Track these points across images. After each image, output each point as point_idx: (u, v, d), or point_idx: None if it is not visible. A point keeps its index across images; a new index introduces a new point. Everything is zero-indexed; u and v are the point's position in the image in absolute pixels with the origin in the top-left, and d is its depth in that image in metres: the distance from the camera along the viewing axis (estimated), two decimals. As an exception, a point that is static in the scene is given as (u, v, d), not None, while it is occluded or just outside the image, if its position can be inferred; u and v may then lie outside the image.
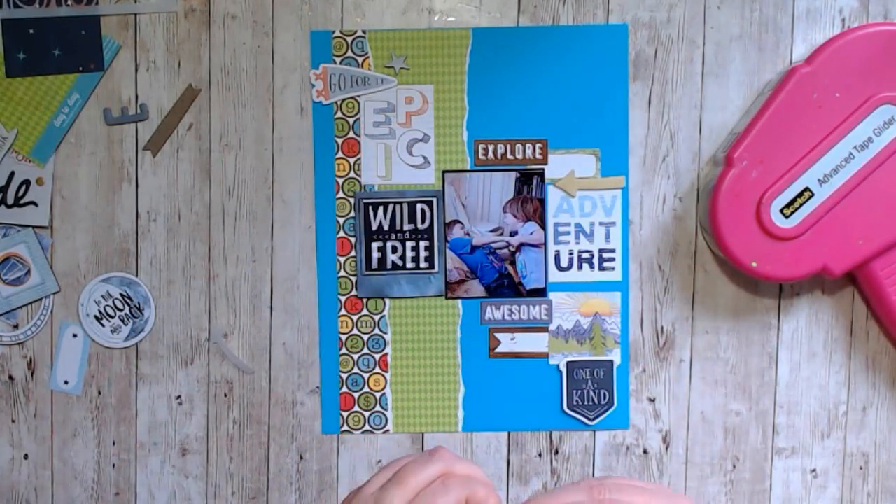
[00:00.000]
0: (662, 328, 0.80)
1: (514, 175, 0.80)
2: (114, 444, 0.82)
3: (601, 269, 0.80)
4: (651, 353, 0.81)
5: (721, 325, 0.80)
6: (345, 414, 0.81)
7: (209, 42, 0.80)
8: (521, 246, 0.80)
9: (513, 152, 0.80)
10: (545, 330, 0.80)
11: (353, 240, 0.80)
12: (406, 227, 0.80)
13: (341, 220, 0.80)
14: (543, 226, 0.80)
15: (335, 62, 0.80)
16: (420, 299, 0.81)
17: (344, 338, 0.81)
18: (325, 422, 0.81)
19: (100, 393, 0.81)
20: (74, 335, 0.81)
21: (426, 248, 0.80)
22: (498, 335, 0.81)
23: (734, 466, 0.80)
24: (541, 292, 0.80)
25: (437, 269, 0.80)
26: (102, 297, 0.81)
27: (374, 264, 0.80)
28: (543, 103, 0.79)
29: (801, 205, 0.74)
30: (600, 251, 0.80)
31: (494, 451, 0.81)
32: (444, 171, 0.80)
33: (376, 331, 0.81)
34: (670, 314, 0.80)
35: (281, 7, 0.80)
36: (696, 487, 0.81)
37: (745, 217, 0.74)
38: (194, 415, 0.81)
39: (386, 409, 0.81)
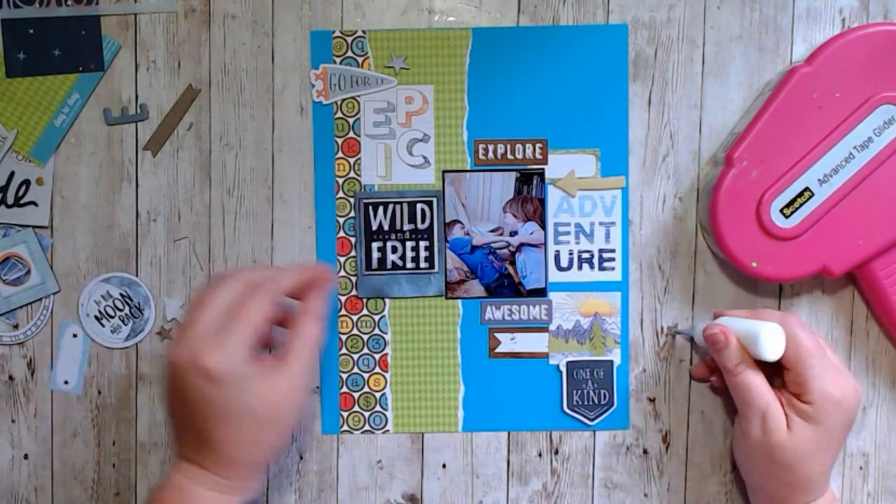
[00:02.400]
0: (662, 328, 0.80)
1: (514, 175, 0.80)
2: (114, 444, 0.82)
3: (601, 269, 0.80)
4: (651, 353, 0.81)
5: (721, 325, 0.80)
6: (345, 414, 0.81)
7: (209, 42, 0.80)
8: (521, 246, 0.80)
9: (513, 152, 0.80)
10: (545, 330, 0.80)
11: (353, 240, 0.80)
12: (406, 227, 0.80)
13: (341, 220, 0.80)
14: (543, 226, 0.80)
15: (335, 62, 0.80)
16: (420, 299, 0.81)
17: (344, 338, 0.81)
18: (324, 422, 0.81)
19: (100, 393, 0.81)
20: (74, 335, 0.81)
21: (426, 248, 0.80)
22: (498, 335, 0.81)
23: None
24: (541, 292, 0.80)
25: (437, 269, 0.80)
26: (102, 297, 0.81)
27: (374, 264, 0.80)
28: (543, 103, 0.79)
29: (801, 205, 0.74)
30: (600, 251, 0.80)
31: (494, 450, 0.81)
32: (444, 171, 0.80)
33: (376, 331, 0.81)
34: (670, 314, 0.80)
35: (281, 7, 0.80)
36: (696, 487, 0.81)
37: (745, 217, 0.74)
38: (194, 415, 0.81)
39: (386, 409, 0.81)
